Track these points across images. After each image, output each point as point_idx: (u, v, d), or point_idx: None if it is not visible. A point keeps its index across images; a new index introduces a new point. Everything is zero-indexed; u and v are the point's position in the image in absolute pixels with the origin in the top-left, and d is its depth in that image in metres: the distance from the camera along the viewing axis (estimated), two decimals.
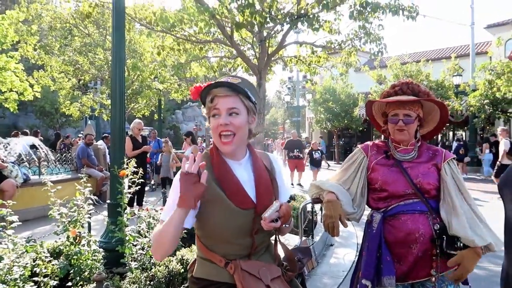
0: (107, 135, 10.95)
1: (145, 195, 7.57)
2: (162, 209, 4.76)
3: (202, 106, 1.55)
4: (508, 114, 15.79)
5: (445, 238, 1.88)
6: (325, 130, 25.88)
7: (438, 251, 1.89)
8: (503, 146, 10.12)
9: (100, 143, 10.78)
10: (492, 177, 10.49)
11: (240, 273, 1.42)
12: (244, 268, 1.44)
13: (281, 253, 1.68)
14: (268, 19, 5.89)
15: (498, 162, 10.45)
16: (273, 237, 1.66)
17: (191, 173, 1.35)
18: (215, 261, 1.47)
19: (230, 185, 1.48)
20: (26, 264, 2.86)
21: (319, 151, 12.79)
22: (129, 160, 3.80)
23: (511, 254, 0.99)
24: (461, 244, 1.85)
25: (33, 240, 3.07)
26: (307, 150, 13.18)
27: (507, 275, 1.00)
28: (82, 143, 9.71)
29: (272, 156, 1.73)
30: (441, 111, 2.10)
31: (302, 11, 6.21)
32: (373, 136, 23.08)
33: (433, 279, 1.92)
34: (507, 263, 1.01)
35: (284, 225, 1.51)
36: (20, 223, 2.98)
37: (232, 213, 1.44)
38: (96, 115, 17.32)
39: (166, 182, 9.21)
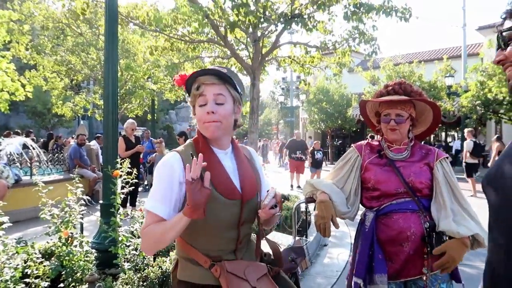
0: (99, 135, 10.88)
1: (138, 195, 7.53)
2: None
3: (187, 95, 1.51)
4: (499, 115, 15.94)
5: (433, 235, 1.90)
6: (318, 131, 25.95)
7: (429, 249, 1.91)
8: (466, 147, 10.62)
9: (93, 143, 10.71)
10: (465, 176, 10.80)
11: (226, 276, 1.38)
12: (230, 270, 1.39)
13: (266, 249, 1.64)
14: (262, 19, 5.88)
15: (463, 162, 10.88)
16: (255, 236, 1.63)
17: (196, 179, 1.27)
18: (200, 261, 1.42)
19: (218, 175, 1.43)
20: (17, 265, 2.83)
21: (321, 151, 12.54)
22: (123, 160, 3.78)
23: (494, 249, 1.02)
24: (447, 238, 1.88)
25: (24, 241, 3.04)
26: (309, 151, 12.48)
27: (493, 269, 1.02)
28: (74, 143, 9.63)
29: (252, 149, 1.72)
30: (433, 111, 2.11)
31: (296, 12, 6.22)
32: (367, 137, 23.18)
33: (425, 277, 1.94)
34: (492, 257, 1.03)
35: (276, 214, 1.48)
36: (11, 224, 2.95)
37: (220, 204, 1.40)
38: (89, 115, 17.20)
39: None
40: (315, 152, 12.24)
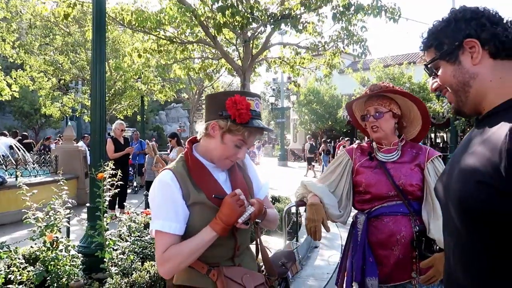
0: (86, 135, 10.65)
1: (127, 197, 7.44)
2: (144, 212, 4.68)
3: (226, 120, 1.42)
4: None
5: (423, 241, 1.87)
6: (309, 132, 26.02)
7: (417, 253, 1.89)
8: None
9: (81, 144, 10.57)
10: None
11: (223, 279, 1.39)
12: (227, 275, 1.41)
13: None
14: (250, 20, 5.84)
15: None
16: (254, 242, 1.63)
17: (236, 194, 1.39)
18: (197, 268, 1.43)
19: (209, 187, 1.46)
20: (0, 271, 2.75)
21: None
22: (106, 163, 3.69)
23: (449, 257, 1.02)
24: (437, 248, 1.84)
25: (7, 246, 2.95)
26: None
27: (448, 276, 1.02)
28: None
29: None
30: (417, 106, 2.05)
31: (285, 12, 6.20)
32: (357, 137, 23.31)
33: (414, 281, 1.92)
34: (447, 265, 1.04)
35: (258, 220, 1.53)
36: None
37: (213, 213, 1.41)
38: (77, 115, 16.96)
39: (150, 185, 9.01)
40: None
